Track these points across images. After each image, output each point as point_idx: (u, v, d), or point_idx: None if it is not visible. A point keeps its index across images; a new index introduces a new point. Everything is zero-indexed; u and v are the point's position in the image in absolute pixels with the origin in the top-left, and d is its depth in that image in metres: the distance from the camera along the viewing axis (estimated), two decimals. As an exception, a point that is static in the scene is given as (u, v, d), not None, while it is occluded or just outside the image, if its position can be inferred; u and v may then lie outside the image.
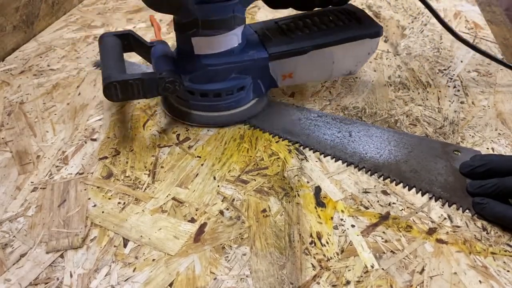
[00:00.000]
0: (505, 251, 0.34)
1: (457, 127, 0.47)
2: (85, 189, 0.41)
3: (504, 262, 0.34)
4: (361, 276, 0.33)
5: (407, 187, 0.40)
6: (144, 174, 0.43)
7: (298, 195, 0.40)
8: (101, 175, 0.43)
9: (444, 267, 0.33)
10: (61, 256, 0.35)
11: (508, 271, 0.33)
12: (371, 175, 0.42)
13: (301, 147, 0.45)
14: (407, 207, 0.38)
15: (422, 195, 0.39)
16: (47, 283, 0.33)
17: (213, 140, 0.46)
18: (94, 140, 0.47)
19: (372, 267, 0.34)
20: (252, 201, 0.39)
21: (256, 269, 0.34)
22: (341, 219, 0.37)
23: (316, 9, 0.49)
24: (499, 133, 0.46)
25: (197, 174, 0.42)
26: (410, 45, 0.63)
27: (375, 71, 0.57)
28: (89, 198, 0.40)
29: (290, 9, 0.49)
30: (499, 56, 0.59)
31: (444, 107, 0.50)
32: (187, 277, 0.33)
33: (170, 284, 0.33)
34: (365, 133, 0.46)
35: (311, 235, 0.36)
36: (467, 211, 0.38)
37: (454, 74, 0.56)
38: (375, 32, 0.47)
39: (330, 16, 0.48)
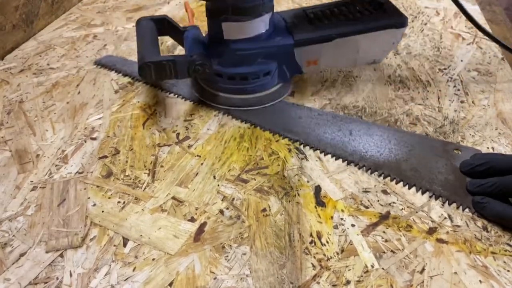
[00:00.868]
0: (505, 250, 0.34)
1: (457, 126, 0.47)
2: (84, 188, 0.41)
3: (504, 262, 0.34)
4: (361, 276, 0.33)
5: (407, 185, 0.40)
6: (144, 173, 0.42)
7: (298, 195, 0.40)
8: (100, 174, 0.43)
9: (444, 266, 0.33)
10: (61, 255, 0.35)
11: (508, 270, 0.33)
12: (371, 173, 0.41)
13: (301, 146, 0.45)
14: (407, 207, 0.38)
15: (422, 193, 0.39)
16: (46, 282, 0.33)
17: (213, 139, 0.46)
18: (94, 139, 0.47)
19: (372, 266, 0.34)
20: (252, 200, 0.39)
21: (256, 268, 0.34)
22: (341, 219, 0.37)
23: None
24: (499, 133, 0.46)
25: (197, 173, 0.42)
26: (410, 44, 0.63)
27: (375, 70, 0.57)
28: (89, 197, 0.40)
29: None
30: (499, 55, 0.59)
31: (444, 106, 0.50)
32: (187, 276, 0.33)
33: (170, 284, 0.33)
34: (365, 132, 0.46)
35: (311, 235, 0.36)
36: (467, 209, 0.38)
37: (454, 73, 0.56)
38: (400, 22, 0.48)
39: (357, 6, 0.50)
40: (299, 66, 0.49)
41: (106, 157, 0.45)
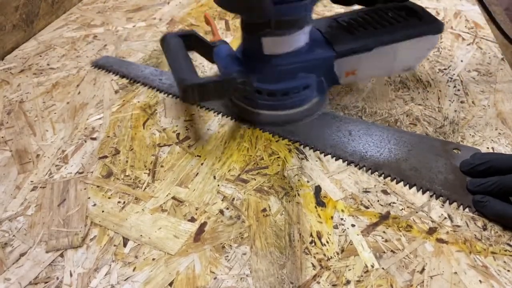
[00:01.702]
0: (505, 250, 0.34)
1: (457, 126, 0.47)
2: (85, 188, 0.41)
3: (504, 262, 0.34)
4: (361, 276, 0.33)
5: (407, 185, 0.40)
6: (144, 173, 0.43)
7: (298, 195, 0.40)
8: (101, 174, 0.43)
9: (444, 266, 0.33)
10: (61, 255, 0.35)
11: (508, 270, 0.33)
12: (371, 173, 0.42)
13: (301, 146, 0.45)
14: (407, 207, 0.38)
15: (423, 193, 0.39)
16: (47, 282, 0.33)
17: (213, 139, 0.46)
18: (94, 139, 0.47)
19: (372, 266, 0.34)
20: (252, 200, 0.39)
21: (256, 268, 0.34)
22: (341, 219, 0.37)
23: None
24: (499, 133, 0.46)
25: (197, 173, 0.42)
26: (410, 44, 0.63)
27: (375, 70, 0.57)
28: (89, 197, 0.40)
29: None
30: (499, 56, 0.59)
31: (444, 106, 0.50)
32: (187, 276, 0.33)
33: (170, 284, 0.33)
34: (365, 132, 0.46)
35: (311, 235, 0.36)
36: (467, 209, 0.38)
37: (454, 74, 0.56)
38: (437, 28, 0.47)
39: (389, 12, 0.48)
40: (337, 78, 0.47)
41: (106, 157, 0.45)
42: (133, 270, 0.34)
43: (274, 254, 0.35)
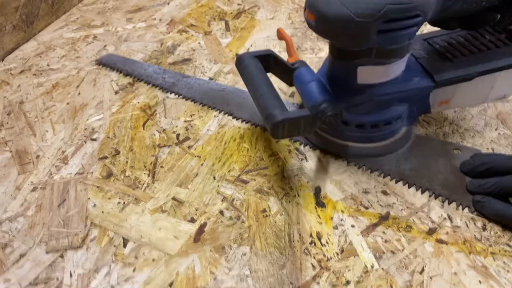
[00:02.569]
0: (505, 251, 0.34)
1: (457, 127, 0.47)
2: (85, 189, 0.41)
3: (504, 262, 0.34)
4: (361, 276, 0.33)
5: (407, 185, 0.40)
6: (144, 173, 0.43)
7: (298, 195, 0.40)
8: (100, 175, 0.43)
9: (444, 267, 0.33)
10: (61, 256, 0.35)
11: (508, 271, 0.33)
12: (371, 173, 0.42)
13: (302, 146, 0.45)
14: (407, 207, 0.38)
15: (422, 193, 0.39)
16: (46, 283, 0.33)
17: (213, 140, 0.46)
18: (94, 139, 0.47)
19: (372, 267, 0.34)
20: (252, 201, 0.39)
21: (256, 269, 0.34)
22: (341, 219, 0.37)
23: None
24: (499, 133, 0.46)
25: (197, 174, 0.42)
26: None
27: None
28: (89, 198, 0.40)
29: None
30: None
31: (444, 107, 0.50)
32: (187, 277, 0.33)
33: (170, 284, 0.33)
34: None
35: (311, 235, 0.36)
36: (466, 209, 0.38)
37: (454, 74, 0.56)
38: None
39: (486, 35, 0.44)
40: (429, 106, 0.43)
41: (106, 157, 0.45)
42: (133, 270, 0.34)
43: (274, 254, 0.35)
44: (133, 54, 0.62)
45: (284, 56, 0.45)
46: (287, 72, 0.44)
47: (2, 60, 0.62)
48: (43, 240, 0.36)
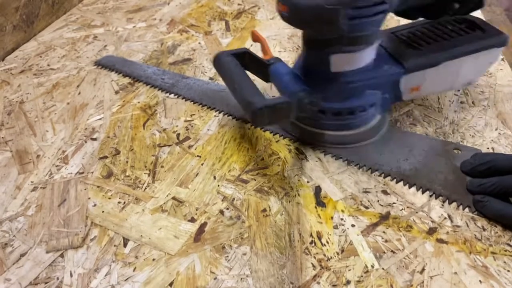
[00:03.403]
0: (505, 250, 0.34)
1: (457, 127, 0.47)
2: (85, 189, 0.41)
3: (504, 262, 0.34)
4: (362, 276, 0.33)
5: (407, 185, 0.40)
6: (144, 173, 0.43)
7: (298, 195, 0.40)
8: (101, 175, 0.43)
9: (444, 266, 0.33)
10: (61, 255, 0.35)
11: (508, 271, 0.33)
12: (371, 173, 0.42)
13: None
14: (407, 207, 0.38)
15: (423, 192, 0.39)
16: (47, 282, 0.33)
17: (213, 140, 0.46)
18: (94, 139, 0.47)
19: (373, 266, 0.34)
20: (252, 200, 0.39)
21: (256, 268, 0.34)
22: (341, 219, 0.37)
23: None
24: (499, 133, 0.46)
25: (197, 173, 0.42)
26: (410, 44, 0.63)
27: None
28: (89, 198, 0.40)
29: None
30: (499, 56, 0.59)
31: (444, 107, 0.50)
32: (187, 276, 0.33)
33: (170, 284, 0.33)
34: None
35: (311, 235, 0.36)
36: (467, 209, 0.38)
37: (454, 74, 0.56)
38: (502, 42, 0.45)
39: (448, 25, 0.47)
40: (401, 94, 0.45)
41: (106, 157, 0.45)
42: (133, 270, 0.34)
43: (274, 254, 0.35)
44: (133, 54, 0.62)
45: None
46: (263, 68, 0.46)
47: (3, 60, 0.62)
48: (44, 239, 0.36)
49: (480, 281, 0.32)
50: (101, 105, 0.52)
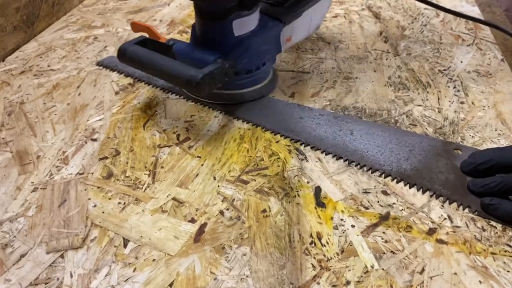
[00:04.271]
0: (505, 251, 0.34)
1: (457, 127, 0.47)
2: (85, 189, 0.41)
3: (504, 263, 0.34)
4: (361, 276, 0.33)
5: (408, 185, 0.40)
6: (144, 174, 0.43)
7: (298, 195, 0.40)
8: (101, 175, 0.43)
9: (444, 267, 0.33)
10: (61, 256, 0.35)
11: (508, 271, 0.33)
12: (372, 173, 0.42)
13: (302, 146, 0.45)
14: (407, 207, 0.38)
15: (423, 193, 0.39)
16: (47, 283, 0.33)
17: (213, 140, 0.46)
18: (94, 140, 0.47)
19: (372, 267, 0.34)
20: (252, 201, 0.39)
21: (256, 269, 0.34)
22: (341, 219, 0.37)
23: None
24: (499, 133, 0.46)
25: (197, 174, 0.42)
26: (410, 45, 0.63)
27: (375, 71, 0.57)
28: (89, 198, 0.40)
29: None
30: (499, 56, 0.59)
31: (444, 107, 0.50)
32: (187, 277, 0.33)
33: (170, 284, 0.33)
34: (366, 132, 0.46)
35: (311, 235, 0.36)
36: (467, 209, 0.38)
37: (454, 75, 0.56)
38: None
39: None
40: (280, 46, 0.53)
41: (106, 158, 0.45)
42: (134, 271, 0.34)
43: (274, 254, 0.35)
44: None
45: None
46: (166, 49, 0.49)
47: (3, 61, 0.62)
48: (44, 240, 0.36)
49: (480, 281, 0.32)
50: (101, 106, 0.52)
